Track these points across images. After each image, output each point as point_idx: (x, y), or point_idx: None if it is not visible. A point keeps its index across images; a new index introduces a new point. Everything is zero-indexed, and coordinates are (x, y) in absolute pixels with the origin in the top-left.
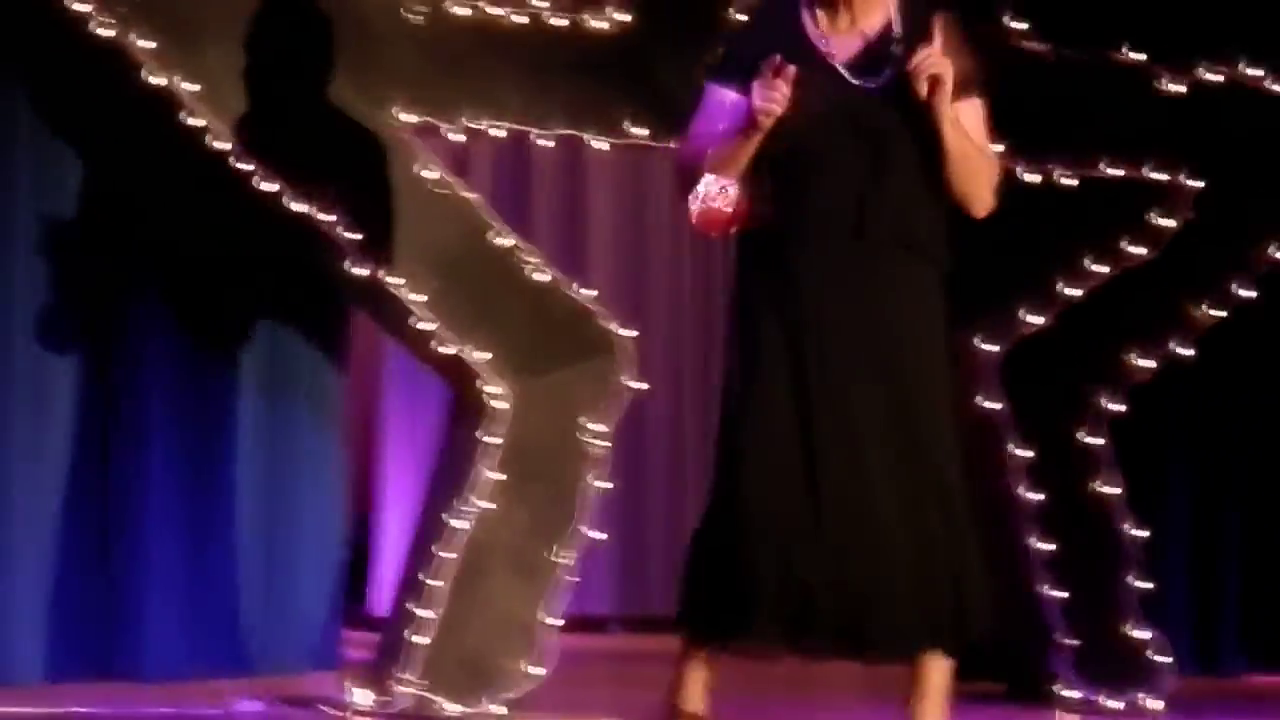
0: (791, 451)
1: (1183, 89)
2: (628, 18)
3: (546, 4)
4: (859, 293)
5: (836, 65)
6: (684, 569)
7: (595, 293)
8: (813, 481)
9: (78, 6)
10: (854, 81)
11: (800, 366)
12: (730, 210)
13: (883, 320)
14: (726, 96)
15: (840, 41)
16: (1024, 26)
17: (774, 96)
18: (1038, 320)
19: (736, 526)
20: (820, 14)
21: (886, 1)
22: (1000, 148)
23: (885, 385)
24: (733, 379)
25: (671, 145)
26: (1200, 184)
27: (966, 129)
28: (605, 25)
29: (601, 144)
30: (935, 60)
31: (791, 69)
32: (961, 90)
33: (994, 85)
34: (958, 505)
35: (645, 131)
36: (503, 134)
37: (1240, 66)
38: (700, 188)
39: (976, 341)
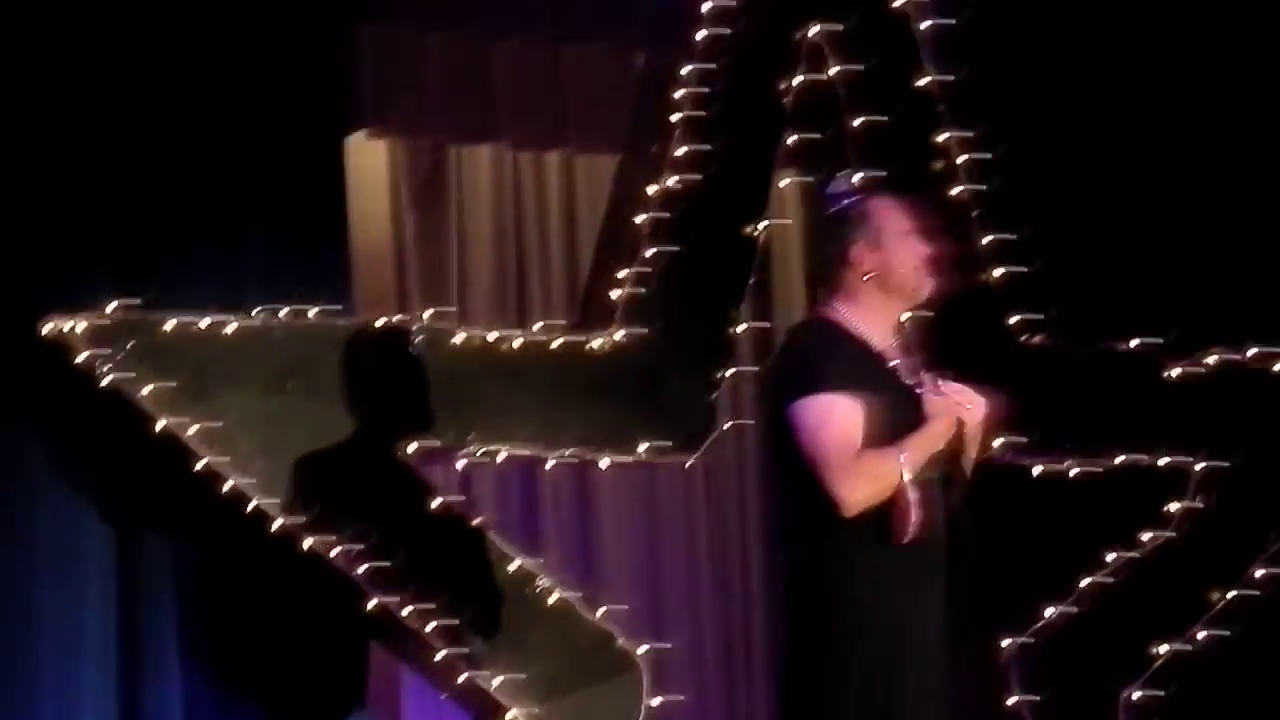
0: None
1: (1195, 371)
2: (622, 335)
3: (541, 329)
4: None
5: (902, 376)
6: None
7: (610, 610)
8: None
9: (82, 356)
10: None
11: None
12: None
13: None
14: (851, 406)
15: (893, 354)
16: (1027, 319)
17: (967, 400)
18: (1060, 614)
19: None
20: (874, 334)
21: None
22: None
23: None
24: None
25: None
26: (1216, 467)
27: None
28: (603, 346)
29: (607, 462)
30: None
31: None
32: None
33: (1003, 381)
34: None
35: (653, 448)
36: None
37: (1249, 350)
38: (912, 495)
39: (1000, 638)
